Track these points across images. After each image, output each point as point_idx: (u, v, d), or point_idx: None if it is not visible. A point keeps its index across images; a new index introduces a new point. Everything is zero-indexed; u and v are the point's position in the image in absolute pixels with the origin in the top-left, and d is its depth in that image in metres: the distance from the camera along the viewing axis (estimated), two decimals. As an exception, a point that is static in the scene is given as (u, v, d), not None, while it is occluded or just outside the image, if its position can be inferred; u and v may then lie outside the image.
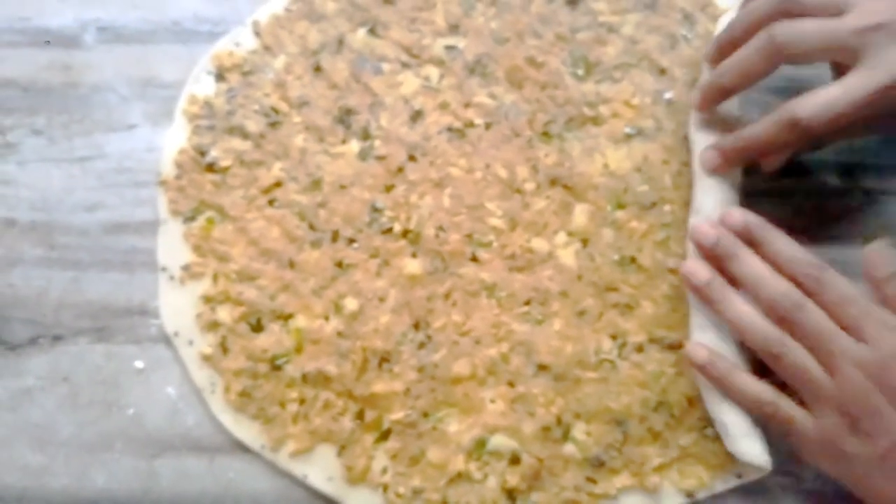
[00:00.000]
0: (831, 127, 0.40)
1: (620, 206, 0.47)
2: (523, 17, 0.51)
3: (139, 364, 0.44)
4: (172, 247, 0.46)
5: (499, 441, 0.42)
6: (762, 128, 0.42)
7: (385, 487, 0.41)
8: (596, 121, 0.49)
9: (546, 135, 0.48)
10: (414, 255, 0.45)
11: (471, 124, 0.48)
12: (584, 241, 0.46)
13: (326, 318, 0.44)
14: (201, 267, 0.45)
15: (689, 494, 0.42)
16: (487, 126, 0.48)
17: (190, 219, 0.46)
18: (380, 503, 0.41)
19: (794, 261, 0.39)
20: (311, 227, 0.46)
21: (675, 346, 0.44)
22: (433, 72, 0.50)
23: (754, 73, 0.42)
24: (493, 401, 0.43)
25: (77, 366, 0.44)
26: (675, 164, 0.47)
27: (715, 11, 0.51)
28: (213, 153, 0.48)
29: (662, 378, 0.43)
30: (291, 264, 0.45)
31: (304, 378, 0.43)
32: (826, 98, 0.39)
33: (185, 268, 0.45)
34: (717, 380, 0.40)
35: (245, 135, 0.48)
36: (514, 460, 0.42)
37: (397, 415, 0.42)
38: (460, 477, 0.42)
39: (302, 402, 0.43)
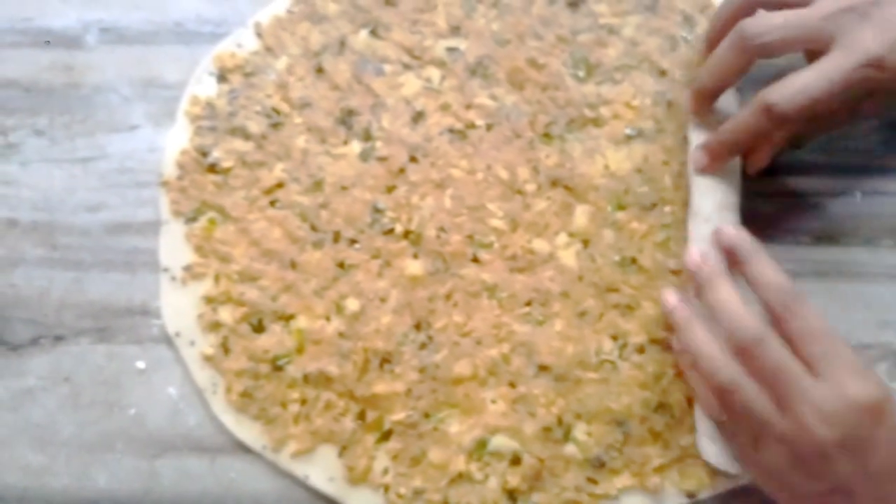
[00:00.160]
0: (807, 113, 0.40)
1: (621, 207, 0.47)
2: (524, 19, 0.51)
3: (140, 364, 0.44)
4: (174, 247, 0.46)
5: (500, 441, 0.42)
6: (739, 119, 0.42)
7: (386, 488, 0.41)
8: (597, 122, 0.49)
9: (547, 136, 0.48)
10: (415, 256, 0.46)
11: (472, 125, 0.48)
12: (585, 242, 0.46)
13: (328, 319, 0.44)
14: (203, 267, 0.45)
15: (690, 495, 0.42)
16: (489, 127, 0.48)
17: (192, 219, 0.46)
18: None
19: (770, 285, 0.37)
20: (313, 227, 0.46)
21: (676, 347, 0.44)
22: (435, 73, 0.50)
23: (731, 71, 0.42)
24: (494, 401, 0.43)
25: (78, 366, 0.44)
26: (676, 166, 0.47)
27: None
28: (215, 154, 0.48)
29: (663, 379, 0.43)
30: (293, 265, 0.45)
31: (306, 378, 0.43)
32: (800, 83, 0.39)
33: (187, 268, 0.45)
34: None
35: (247, 136, 0.48)
36: (515, 461, 0.42)
37: (398, 415, 0.42)
38: (461, 477, 0.42)
39: (303, 402, 0.43)
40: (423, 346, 0.44)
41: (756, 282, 0.38)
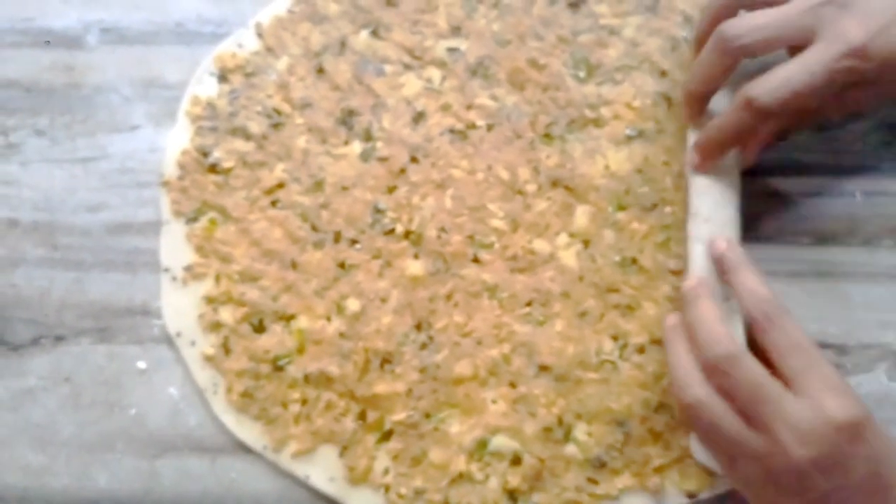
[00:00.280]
0: (790, 106, 0.39)
1: (621, 207, 0.47)
2: (525, 20, 0.51)
3: (141, 364, 0.44)
4: (175, 247, 0.46)
5: (500, 442, 0.42)
6: (724, 115, 0.42)
7: (387, 488, 0.42)
8: (597, 122, 0.49)
9: (547, 136, 0.48)
10: (416, 256, 0.46)
11: (473, 126, 0.49)
12: (586, 243, 0.46)
13: (328, 319, 0.44)
14: (204, 267, 0.45)
15: (691, 495, 0.42)
16: (489, 128, 0.48)
17: (192, 219, 0.47)
18: (381, 504, 0.42)
19: (753, 295, 0.37)
20: (314, 228, 0.46)
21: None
22: (435, 73, 0.50)
23: (716, 74, 0.42)
24: (494, 401, 0.43)
25: (79, 366, 0.44)
26: (676, 166, 0.47)
27: (715, 14, 0.51)
28: (216, 154, 0.48)
29: (663, 379, 0.43)
30: (294, 265, 0.45)
31: (306, 379, 0.43)
32: (781, 76, 0.39)
33: (188, 268, 0.45)
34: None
35: (248, 136, 0.48)
36: (516, 461, 0.42)
37: (399, 415, 0.42)
38: (462, 477, 0.42)
39: (304, 402, 0.43)
40: (423, 346, 0.44)
41: (740, 292, 0.38)
